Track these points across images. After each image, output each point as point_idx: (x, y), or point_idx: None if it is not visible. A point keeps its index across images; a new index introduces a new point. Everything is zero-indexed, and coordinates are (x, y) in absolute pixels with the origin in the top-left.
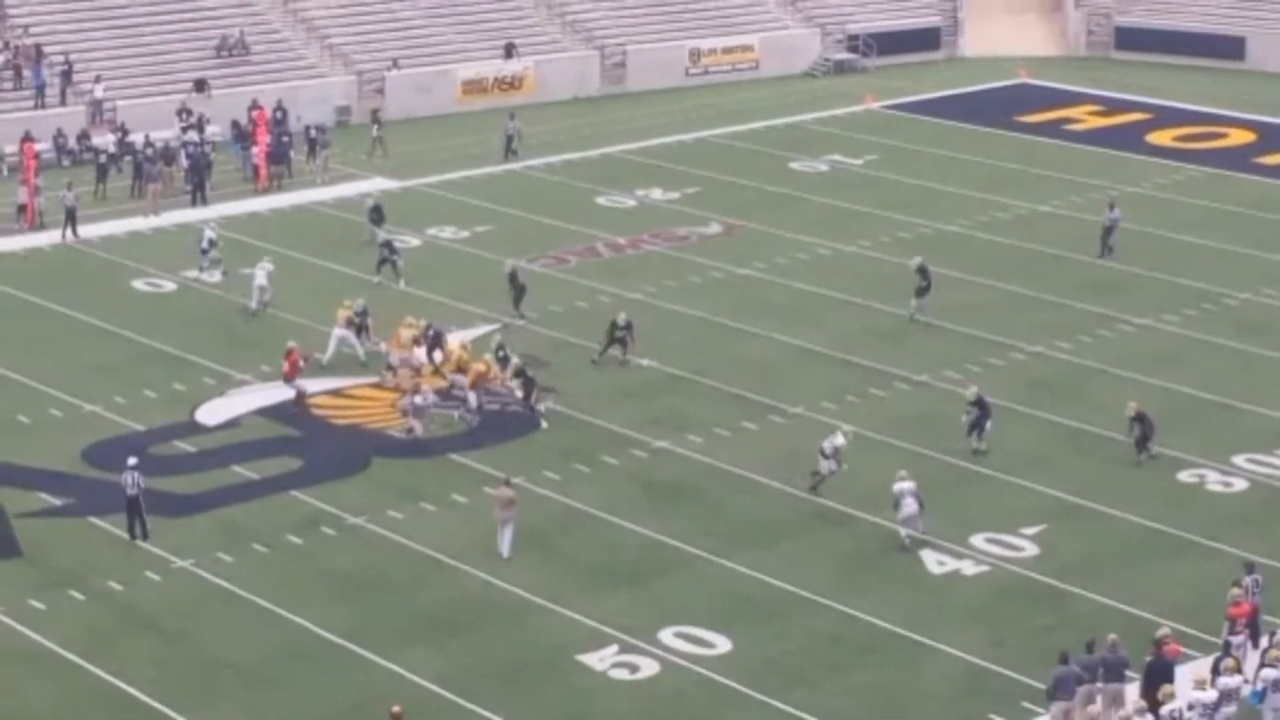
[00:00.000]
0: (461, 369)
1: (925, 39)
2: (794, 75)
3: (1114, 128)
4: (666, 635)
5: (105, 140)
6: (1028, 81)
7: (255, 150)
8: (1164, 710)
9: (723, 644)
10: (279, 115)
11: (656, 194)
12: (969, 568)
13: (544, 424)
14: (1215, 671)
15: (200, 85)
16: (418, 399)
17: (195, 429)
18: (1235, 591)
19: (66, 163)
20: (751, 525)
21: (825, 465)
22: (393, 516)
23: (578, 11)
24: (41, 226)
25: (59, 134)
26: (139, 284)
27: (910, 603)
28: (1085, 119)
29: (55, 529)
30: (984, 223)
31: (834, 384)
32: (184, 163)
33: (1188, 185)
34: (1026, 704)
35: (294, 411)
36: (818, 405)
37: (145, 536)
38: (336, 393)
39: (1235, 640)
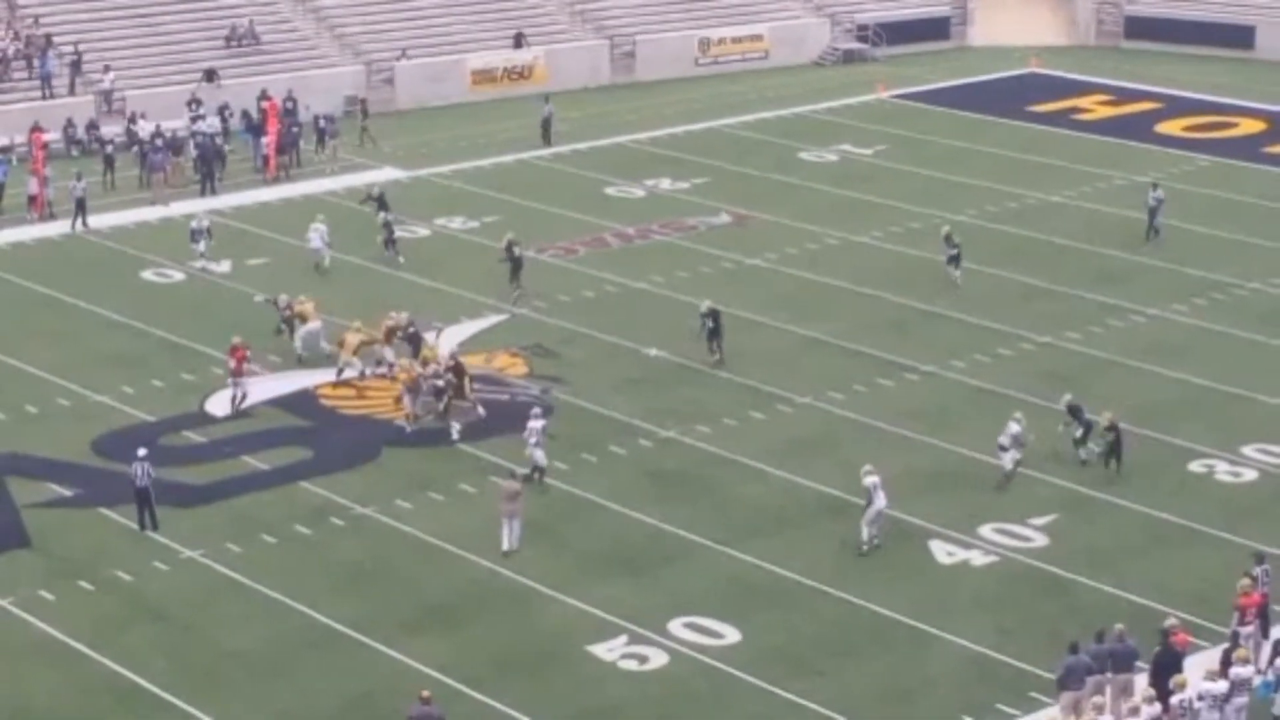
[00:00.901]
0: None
1: (935, 28)
2: (803, 65)
3: (1124, 117)
4: (675, 625)
5: (113, 130)
6: (1037, 71)
7: (265, 140)
8: (1173, 700)
9: (731, 634)
10: (289, 105)
11: (666, 184)
12: (977, 558)
13: (455, 435)
14: (1226, 662)
15: (210, 75)
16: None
17: (205, 419)
18: (1244, 582)
19: (76, 153)
20: (759, 515)
21: (1009, 458)
22: (401, 507)
23: (587, 1)
24: (51, 217)
25: (68, 124)
26: (148, 274)
27: (918, 592)
28: (1095, 108)
29: (64, 519)
30: (994, 213)
31: (842, 374)
32: (192, 152)
33: (1197, 175)
34: (1034, 694)
35: (235, 414)
36: (825, 395)
37: (154, 527)
38: (346, 384)
39: (1244, 631)
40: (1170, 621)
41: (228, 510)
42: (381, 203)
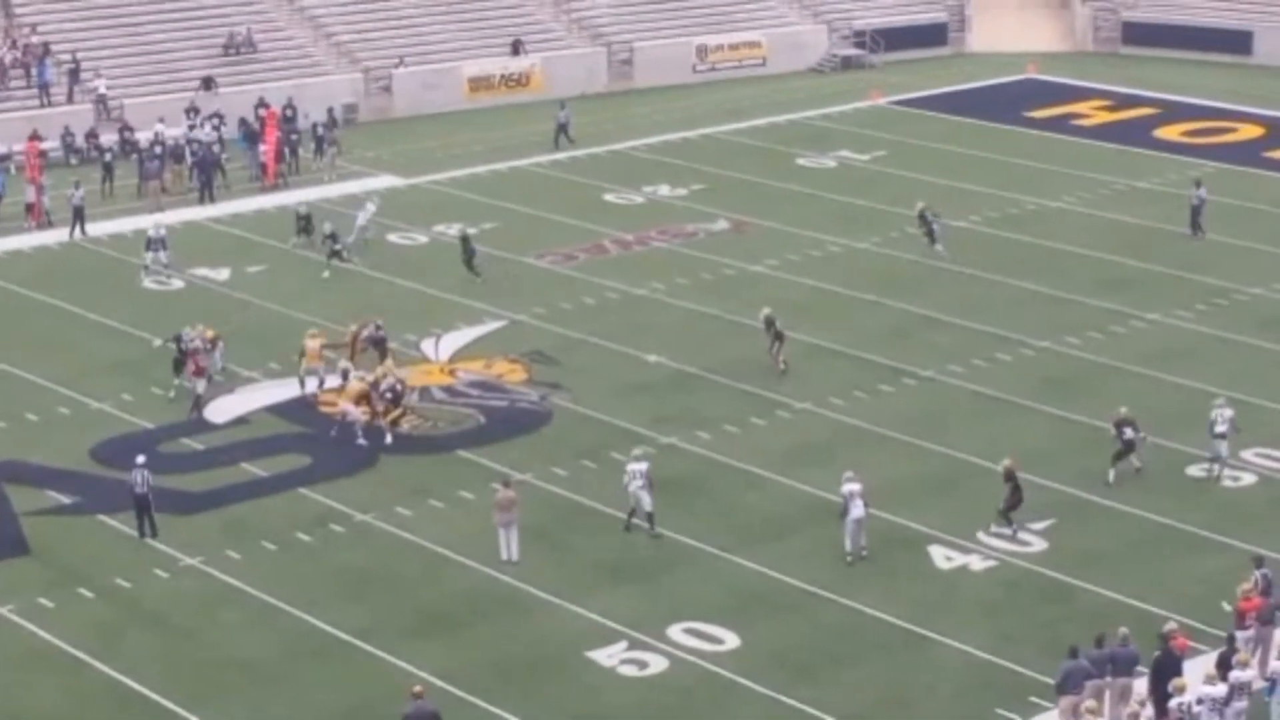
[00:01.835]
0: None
1: (932, 35)
2: (801, 71)
3: (1122, 123)
4: (675, 631)
5: (111, 139)
6: (1035, 77)
7: (263, 148)
8: (1172, 704)
9: (731, 640)
10: (289, 114)
11: (664, 190)
12: (976, 562)
13: (389, 439)
14: (1224, 666)
15: (208, 83)
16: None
17: (204, 427)
18: (1244, 586)
19: (74, 161)
20: (759, 521)
21: (1223, 446)
22: (401, 513)
23: (584, 8)
24: (48, 225)
25: (66, 132)
26: (147, 282)
27: (918, 597)
28: (1093, 114)
29: (64, 527)
30: (993, 218)
31: (842, 380)
32: (189, 160)
33: (1197, 180)
34: (1034, 699)
35: (191, 419)
36: (825, 401)
37: (154, 534)
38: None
39: (1242, 635)
40: (1170, 626)
41: (227, 517)
42: (308, 223)
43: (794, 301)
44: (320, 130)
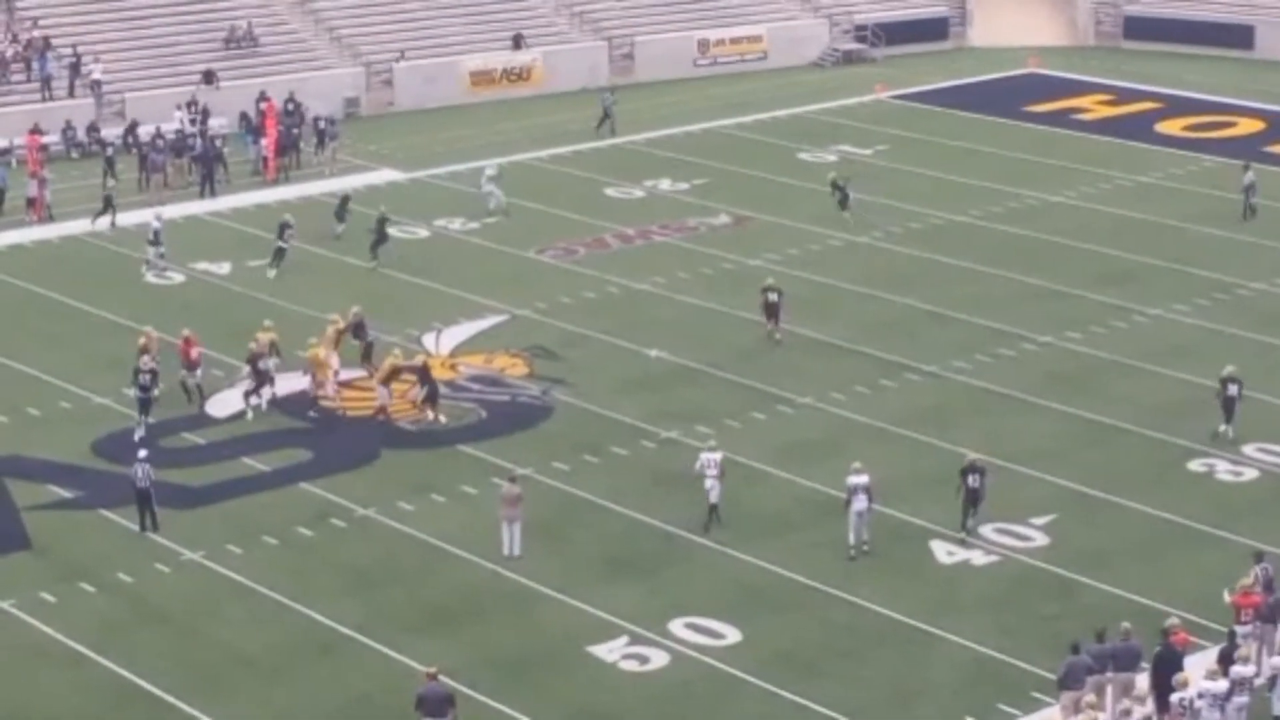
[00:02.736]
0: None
1: (934, 29)
2: (802, 66)
3: (1124, 117)
4: (676, 626)
5: (113, 133)
6: (1037, 71)
7: (264, 142)
8: (1173, 698)
9: (732, 635)
10: (290, 108)
11: (665, 185)
12: (978, 558)
13: (250, 415)
14: (1226, 661)
15: (209, 77)
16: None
17: (205, 421)
18: (1244, 581)
19: (75, 155)
20: (760, 516)
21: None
22: (402, 508)
23: (585, 2)
24: (50, 219)
25: (68, 126)
26: (149, 276)
27: (920, 593)
28: (1095, 108)
29: (65, 521)
30: (995, 213)
31: (844, 375)
32: (190, 154)
33: (1198, 175)
34: (1036, 694)
35: (195, 409)
36: (827, 396)
37: (155, 529)
38: (346, 385)
39: (1242, 630)
40: (1171, 621)
41: (228, 512)
42: (344, 205)
43: (795, 296)
44: (321, 124)
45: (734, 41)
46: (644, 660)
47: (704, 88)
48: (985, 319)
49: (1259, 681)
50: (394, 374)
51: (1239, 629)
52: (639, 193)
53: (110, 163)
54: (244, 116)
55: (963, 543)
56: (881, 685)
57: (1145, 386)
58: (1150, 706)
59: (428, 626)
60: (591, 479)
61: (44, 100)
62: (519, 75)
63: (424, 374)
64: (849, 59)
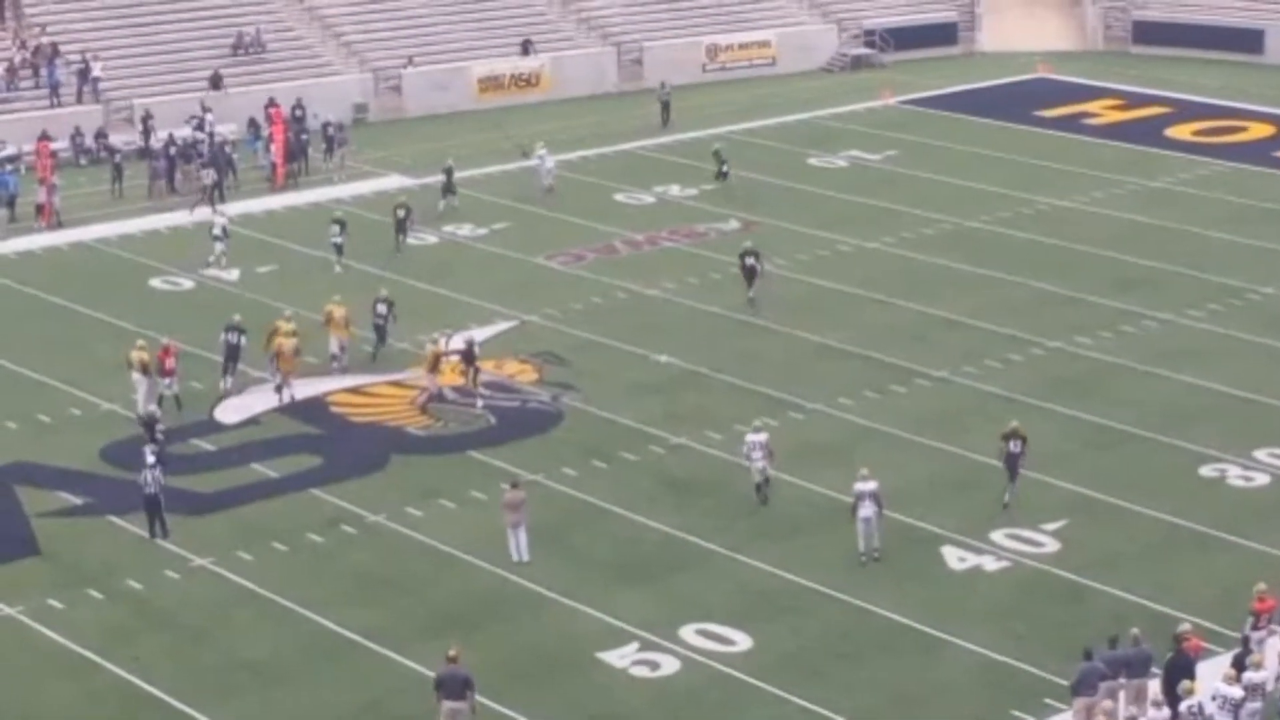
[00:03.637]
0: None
1: (943, 34)
2: (811, 71)
3: (1133, 122)
4: (687, 632)
5: (122, 139)
6: (1046, 76)
7: (272, 148)
8: (1183, 706)
9: (743, 640)
10: (298, 114)
11: (674, 190)
12: (990, 563)
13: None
14: (1240, 666)
15: (216, 82)
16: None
17: (214, 427)
18: (1260, 587)
19: (83, 161)
20: (770, 521)
21: None
22: (412, 514)
23: (594, 8)
24: (58, 225)
25: (76, 133)
26: (157, 282)
27: (931, 598)
28: (1104, 113)
29: (74, 528)
30: (1004, 218)
31: (853, 380)
32: (199, 160)
33: (1208, 179)
34: (1048, 700)
35: (179, 411)
36: (836, 401)
37: (165, 535)
38: (355, 390)
39: (1256, 636)
40: (1184, 627)
41: (238, 518)
42: (449, 178)
43: (804, 301)
44: (330, 130)
45: (743, 47)
46: (654, 666)
47: (713, 93)
48: (995, 324)
49: (1271, 687)
50: (438, 361)
51: (1253, 634)
52: (648, 198)
53: (119, 170)
54: (252, 123)
55: (976, 548)
56: (892, 691)
57: (1156, 391)
58: (1165, 713)
59: (437, 632)
60: (601, 484)
61: (52, 107)
62: (528, 81)
63: (468, 355)
64: (858, 64)
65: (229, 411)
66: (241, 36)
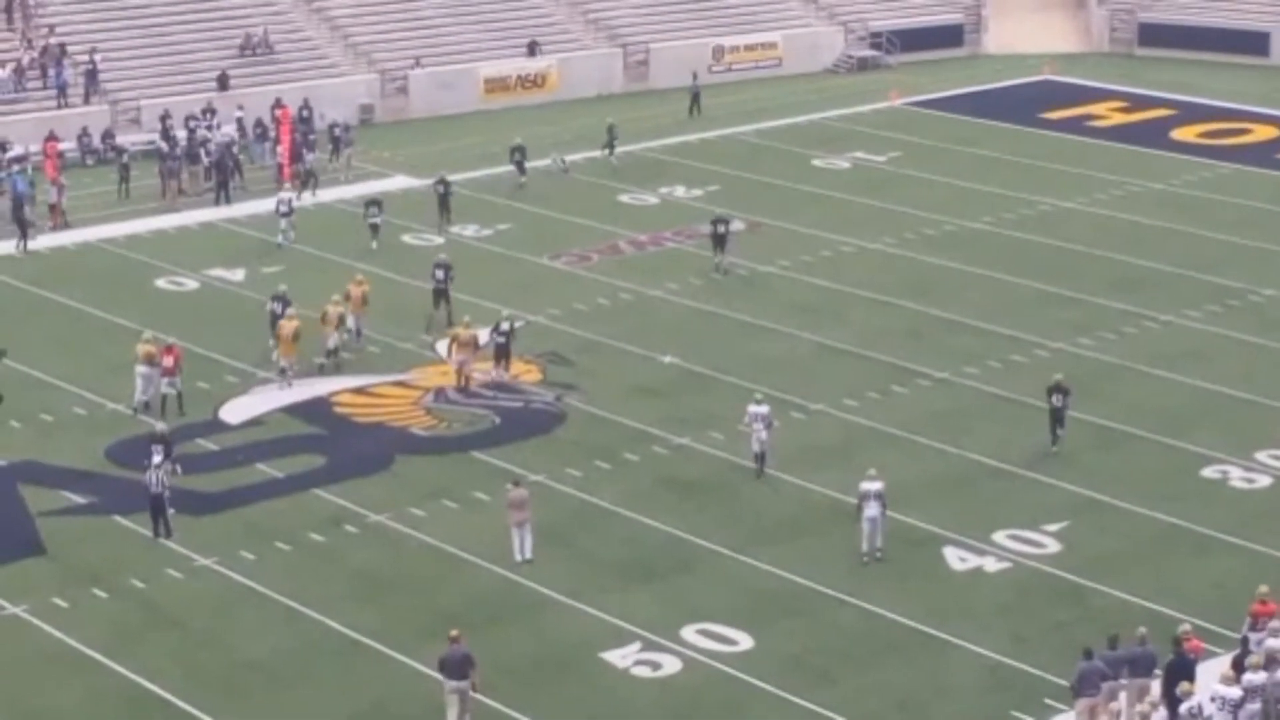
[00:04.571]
0: None
1: (948, 36)
2: (817, 72)
3: (1138, 124)
4: (689, 632)
5: (129, 139)
6: (1051, 78)
7: (279, 149)
8: (1182, 708)
9: (745, 641)
10: (305, 114)
11: (679, 191)
12: (991, 564)
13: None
14: (1239, 668)
15: (223, 83)
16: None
17: (218, 427)
18: (1261, 589)
19: (90, 162)
20: (773, 521)
21: None
22: (415, 514)
23: (600, 9)
24: (66, 225)
25: (83, 133)
26: (162, 282)
27: (932, 599)
28: (1109, 115)
29: (79, 527)
30: (1008, 219)
31: (856, 381)
32: (205, 161)
33: (1212, 181)
34: (1049, 700)
35: (179, 412)
36: (839, 402)
37: (169, 534)
38: (359, 390)
39: (1255, 637)
40: (1184, 628)
41: (242, 518)
42: (523, 155)
43: (808, 302)
44: (337, 131)
45: (749, 48)
46: (656, 666)
47: (719, 94)
48: (997, 325)
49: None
50: (474, 344)
51: (1252, 636)
52: (653, 199)
53: (125, 170)
54: (259, 123)
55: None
56: (894, 692)
57: (1158, 393)
58: (1164, 713)
59: (440, 632)
60: (604, 485)
61: (60, 107)
62: (534, 82)
63: (503, 348)
64: (864, 66)
65: (233, 411)
66: (249, 37)
